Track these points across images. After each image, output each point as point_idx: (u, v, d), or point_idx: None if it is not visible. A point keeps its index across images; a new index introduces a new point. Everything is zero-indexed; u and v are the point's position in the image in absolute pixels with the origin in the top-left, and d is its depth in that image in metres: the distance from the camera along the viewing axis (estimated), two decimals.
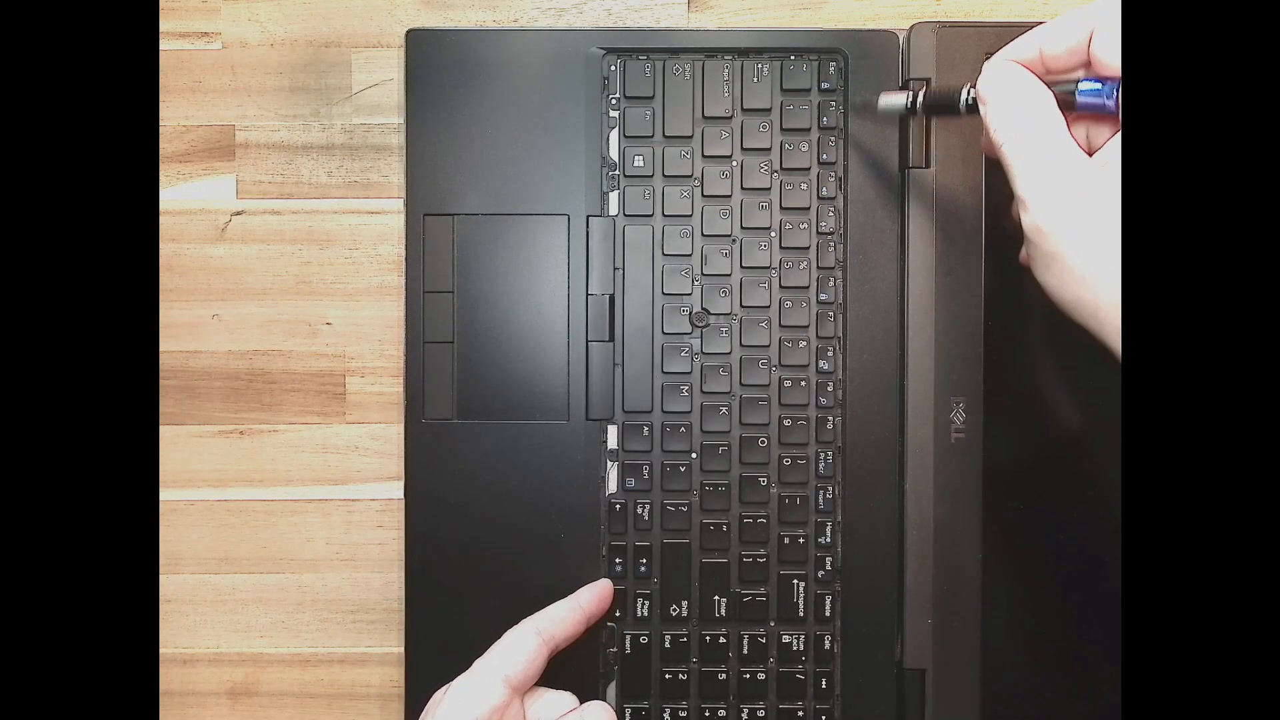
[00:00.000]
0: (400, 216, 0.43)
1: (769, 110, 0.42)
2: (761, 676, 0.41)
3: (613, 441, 0.42)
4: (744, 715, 0.41)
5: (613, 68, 0.42)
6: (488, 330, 0.42)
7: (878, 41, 0.42)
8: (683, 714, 0.41)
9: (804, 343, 0.42)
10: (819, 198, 0.42)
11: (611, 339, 0.42)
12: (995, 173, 0.41)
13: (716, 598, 0.42)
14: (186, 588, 0.44)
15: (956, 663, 0.41)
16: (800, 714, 0.41)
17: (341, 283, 0.44)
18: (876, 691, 0.41)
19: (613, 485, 0.42)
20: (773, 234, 0.42)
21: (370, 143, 0.44)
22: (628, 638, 0.42)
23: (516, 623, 0.38)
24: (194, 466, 0.44)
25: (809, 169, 0.42)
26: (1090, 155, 0.31)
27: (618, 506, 0.42)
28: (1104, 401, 0.41)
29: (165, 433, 0.44)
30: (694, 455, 0.42)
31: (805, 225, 0.42)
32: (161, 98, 0.44)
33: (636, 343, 0.42)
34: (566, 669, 0.39)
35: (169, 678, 0.44)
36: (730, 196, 0.42)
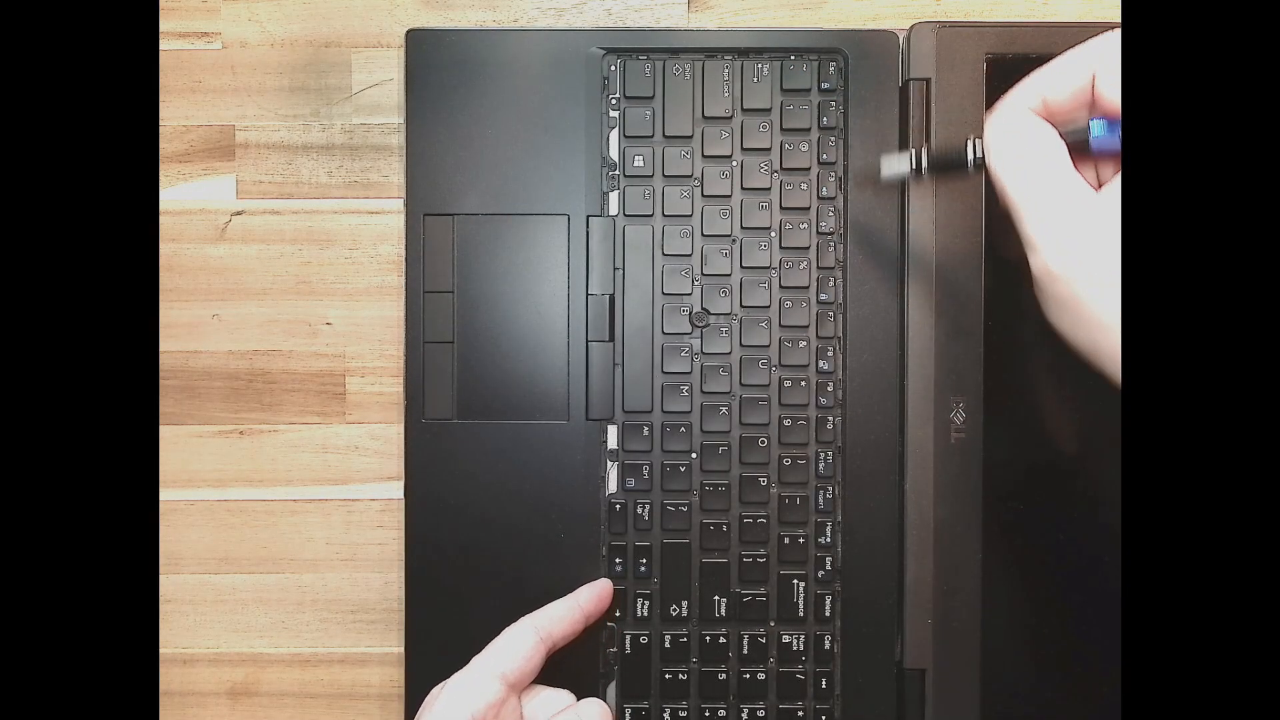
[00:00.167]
0: (400, 216, 0.43)
1: (769, 110, 0.42)
2: (761, 676, 0.41)
3: (613, 441, 0.42)
4: (744, 715, 0.41)
5: (613, 68, 0.42)
6: (488, 330, 0.42)
7: (878, 41, 0.42)
8: (683, 714, 0.41)
9: (804, 343, 0.42)
10: (819, 198, 0.42)
11: (611, 339, 0.42)
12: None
13: (716, 598, 0.42)
14: (186, 588, 0.44)
15: (956, 663, 0.41)
16: (800, 714, 0.41)
17: (341, 283, 0.44)
18: (876, 691, 0.41)
19: (613, 485, 0.42)
20: (773, 234, 0.42)
21: (370, 143, 0.44)
22: (628, 638, 0.42)
23: (515, 620, 0.38)
24: (194, 466, 0.44)
25: (809, 169, 0.42)
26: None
27: (618, 506, 0.42)
28: (1104, 401, 0.41)
29: (165, 433, 0.44)
30: (694, 455, 0.42)
31: (805, 225, 0.42)
32: (161, 98, 0.44)
33: (636, 343, 0.42)
34: (566, 668, 0.39)
35: (169, 678, 0.44)
36: (730, 196, 0.42)
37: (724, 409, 0.42)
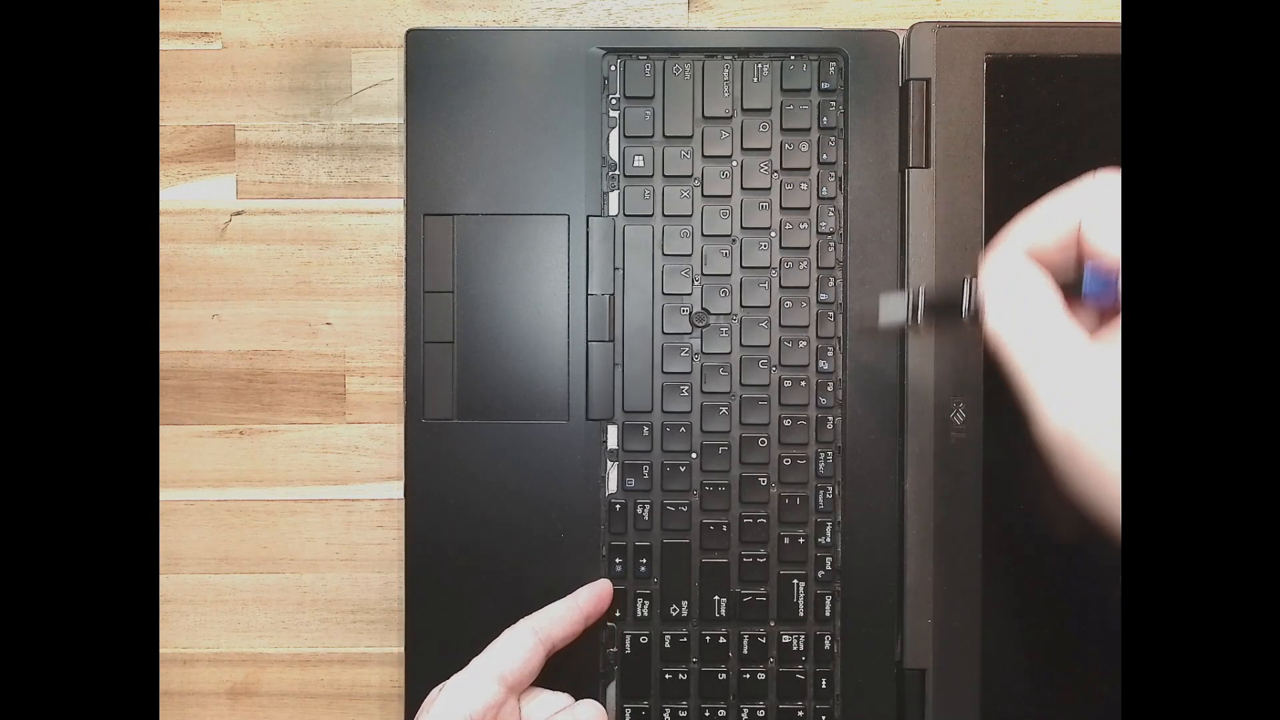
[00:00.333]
0: (400, 216, 0.43)
1: (769, 110, 0.42)
2: (761, 676, 0.41)
3: (613, 441, 0.42)
4: (744, 715, 0.41)
5: (613, 68, 0.42)
6: (488, 330, 0.42)
7: (878, 41, 0.42)
8: (683, 714, 0.41)
9: (804, 343, 0.42)
10: (819, 198, 0.42)
11: (611, 339, 0.42)
12: (995, 173, 0.41)
13: (716, 598, 0.42)
14: (186, 588, 0.44)
15: (956, 663, 0.41)
16: (800, 714, 0.41)
17: (341, 283, 0.44)
18: (876, 691, 0.41)
19: (613, 485, 0.42)
20: (773, 234, 0.42)
21: (370, 143, 0.44)
22: (628, 638, 0.42)
23: (516, 622, 0.38)
24: (194, 466, 0.44)
25: (809, 169, 0.42)
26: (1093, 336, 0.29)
27: (618, 506, 0.42)
28: None
29: (165, 433, 0.44)
30: (694, 455, 0.42)
31: (805, 225, 0.42)
32: (161, 98, 0.44)
33: (636, 343, 0.42)
34: (566, 669, 0.39)
35: (169, 678, 0.44)
36: (730, 196, 0.42)
37: (724, 409, 0.42)
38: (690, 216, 0.42)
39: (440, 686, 0.36)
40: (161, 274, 0.44)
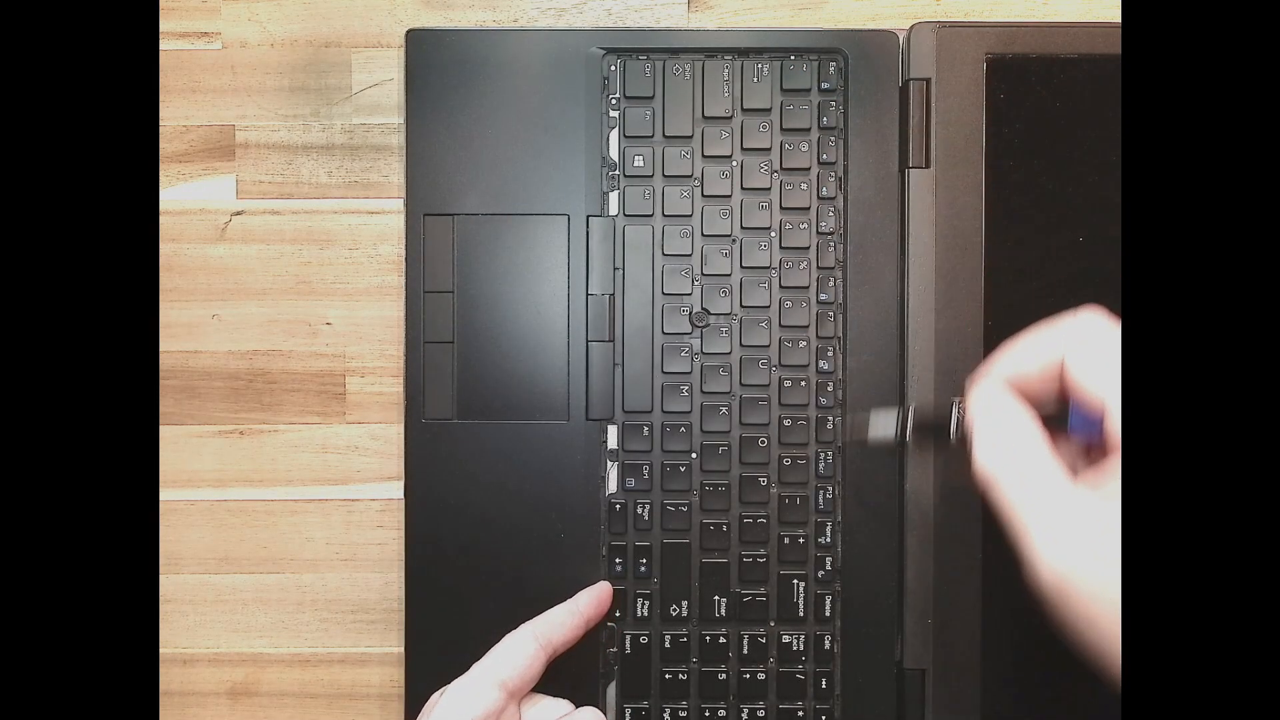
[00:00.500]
0: (400, 216, 0.43)
1: (769, 110, 0.42)
2: (761, 676, 0.41)
3: (613, 441, 0.42)
4: (744, 715, 0.41)
5: (613, 68, 0.42)
6: (488, 330, 0.42)
7: (878, 41, 0.42)
8: (683, 714, 0.41)
9: (804, 343, 0.42)
10: (819, 198, 0.42)
11: (611, 339, 0.42)
12: (995, 173, 0.41)
13: (716, 598, 0.42)
14: (186, 588, 0.44)
15: (956, 663, 0.41)
16: (800, 714, 0.41)
17: (341, 283, 0.44)
18: (876, 691, 0.41)
19: (613, 485, 0.42)
20: (773, 234, 0.42)
21: (370, 143, 0.44)
22: (628, 638, 0.42)
23: (516, 622, 0.38)
24: (194, 466, 0.44)
25: (809, 169, 0.42)
26: (1077, 473, 0.29)
27: (618, 506, 0.42)
28: None
29: (165, 433, 0.44)
30: (694, 455, 0.42)
31: (805, 225, 0.42)
32: (161, 98, 0.44)
33: (636, 343, 0.42)
34: (567, 669, 0.39)
35: (169, 678, 0.44)
36: (730, 196, 0.42)
37: (724, 409, 0.42)
38: (690, 216, 0.42)
39: (441, 691, 0.36)
40: (161, 274, 0.44)
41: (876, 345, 0.42)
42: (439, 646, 0.41)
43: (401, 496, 0.43)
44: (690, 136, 0.42)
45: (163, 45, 0.44)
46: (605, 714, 0.41)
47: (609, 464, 0.42)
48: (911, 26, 0.42)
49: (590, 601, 0.40)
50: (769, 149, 0.42)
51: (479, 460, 0.42)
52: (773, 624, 0.42)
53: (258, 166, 0.44)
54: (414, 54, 0.42)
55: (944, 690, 0.41)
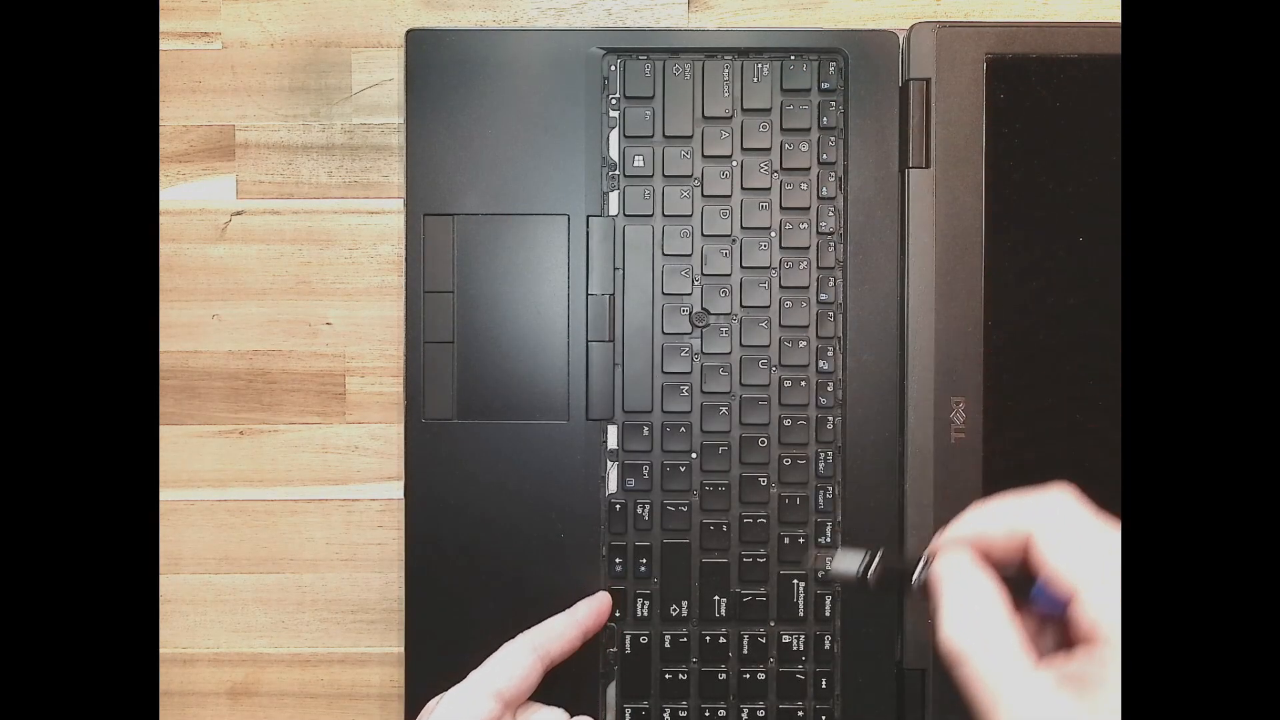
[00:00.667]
0: (400, 216, 0.43)
1: (769, 110, 0.42)
2: (761, 676, 0.41)
3: (613, 441, 0.42)
4: (744, 715, 0.41)
5: (613, 68, 0.42)
6: (488, 330, 0.42)
7: (878, 41, 0.42)
8: (683, 714, 0.41)
9: (804, 343, 0.42)
10: (819, 198, 0.42)
11: (611, 339, 0.42)
12: (995, 173, 0.41)
13: (716, 598, 0.42)
14: (186, 588, 0.44)
15: None
16: (800, 714, 0.41)
17: (341, 283, 0.44)
18: (876, 691, 0.41)
19: (613, 485, 0.42)
20: (773, 234, 0.42)
21: (370, 143, 0.44)
22: (628, 638, 0.42)
23: (516, 622, 0.38)
24: (194, 466, 0.44)
25: (809, 169, 0.42)
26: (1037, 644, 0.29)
27: (618, 506, 0.42)
28: (1104, 400, 0.41)
29: (165, 433, 0.44)
30: (694, 455, 0.42)
31: (805, 225, 0.42)
32: (161, 98, 0.44)
33: (636, 343, 0.42)
34: (567, 670, 0.39)
35: (169, 678, 0.44)
36: (730, 196, 0.42)
37: (724, 409, 0.42)
38: (690, 216, 0.42)
39: (437, 698, 0.36)
40: (161, 274, 0.44)
41: (876, 345, 0.42)
42: (439, 646, 0.41)
43: (401, 496, 0.43)
44: (690, 136, 0.42)
45: (163, 45, 0.44)
46: (605, 714, 0.41)
47: (609, 464, 0.42)
48: (911, 26, 0.42)
49: (589, 612, 0.40)
50: (769, 149, 0.42)
51: (479, 460, 0.42)
52: (773, 624, 0.42)
53: (258, 166, 0.44)
54: (414, 54, 0.42)
55: (944, 690, 0.41)
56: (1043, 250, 0.41)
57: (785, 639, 0.41)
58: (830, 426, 0.42)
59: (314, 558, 0.44)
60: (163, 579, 0.44)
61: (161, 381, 0.44)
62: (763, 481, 0.42)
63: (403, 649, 0.42)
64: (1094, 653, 0.26)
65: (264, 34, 0.44)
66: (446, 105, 0.42)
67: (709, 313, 0.42)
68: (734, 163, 0.42)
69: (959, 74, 0.41)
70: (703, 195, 0.42)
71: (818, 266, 0.42)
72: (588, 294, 0.42)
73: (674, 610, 0.42)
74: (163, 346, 0.44)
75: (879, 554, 0.34)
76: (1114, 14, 0.44)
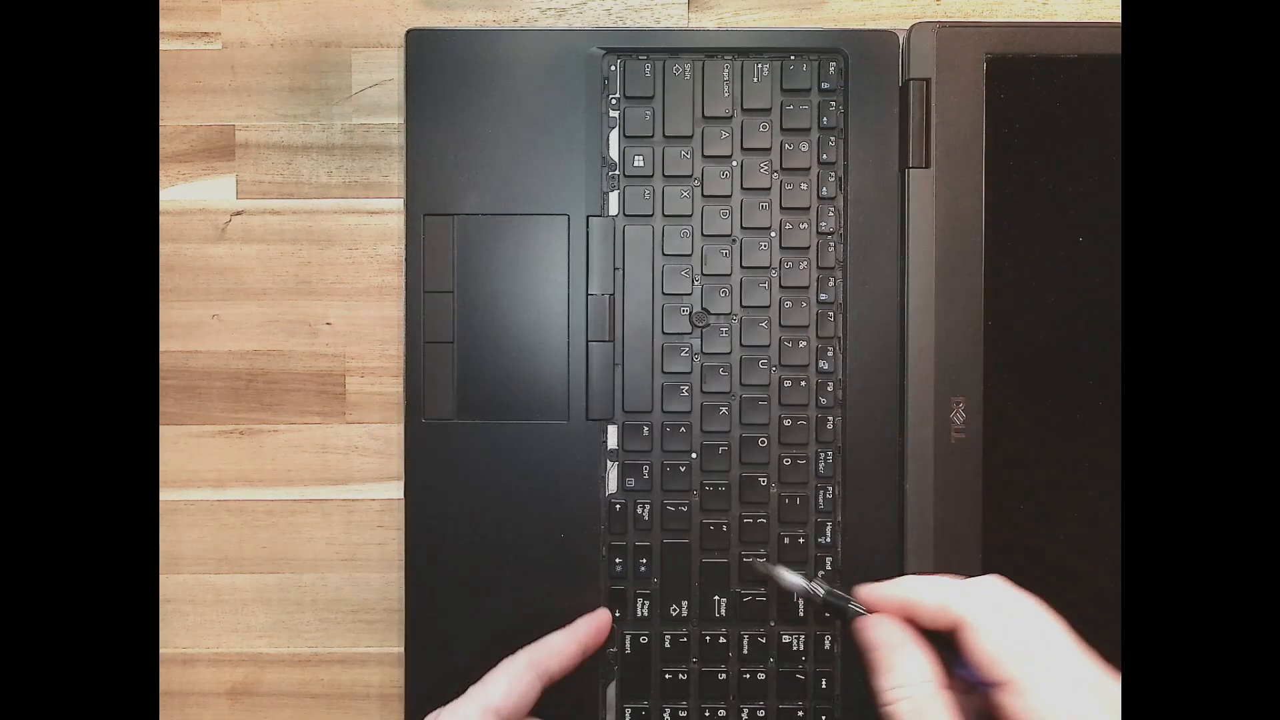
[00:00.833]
0: (400, 216, 0.43)
1: (769, 110, 0.42)
2: (761, 676, 0.41)
3: (613, 441, 0.42)
4: (744, 715, 0.41)
5: (613, 68, 0.42)
6: (488, 330, 0.42)
7: (878, 41, 0.42)
8: (683, 714, 0.41)
9: (804, 343, 0.42)
10: (819, 198, 0.42)
11: (611, 339, 0.42)
12: (995, 173, 0.41)
13: (716, 598, 0.42)
14: (186, 588, 0.44)
15: None
16: (800, 714, 0.41)
17: (341, 283, 0.44)
18: None
19: (613, 485, 0.42)
20: (773, 234, 0.42)
21: (370, 143, 0.44)
22: (628, 638, 0.42)
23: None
24: (194, 466, 0.44)
25: (809, 169, 0.42)
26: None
27: (618, 506, 0.42)
28: (1104, 401, 0.41)
29: (165, 433, 0.44)
30: (694, 455, 0.42)
31: (805, 225, 0.42)
32: (161, 98, 0.44)
33: (636, 343, 0.42)
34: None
35: (169, 678, 0.44)
36: (730, 196, 0.42)
37: (724, 409, 0.42)
38: (690, 216, 0.42)
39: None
40: (161, 274, 0.44)
41: (876, 345, 0.42)
42: (439, 646, 0.41)
43: (401, 496, 0.43)
44: (690, 136, 0.42)
45: (163, 45, 0.44)
46: (605, 714, 0.41)
47: (609, 464, 0.42)
48: (911, 26, 0.42)
49: (589, 630, 0.40)
50: (769, 149, 0.42)
51: (479, 460, 0.42)
52: (773, 624, 0.42)
53: (258, 166, 0.44)
54: (414, 54, 0.42)
55: None
56: (1043, 250, 0.41)
57: (785, 639, 0.41)
58: (830, 426, 0.42)
59: (314, 558, 0.44)
60: (163, 579, 0.44)
61: (161, 381, 0.44)
62: (763, 481, 0.42)
63: (403, 649, 0.42)
64: None
65: (264, 34, 0.44)
66: (446, 105, 0.42)
67: (709, 313, 0.42)
68: (734, 163, 0.42)
69: (959, 74, 0.41)
70: (703, 195, 0.42)
71: (818, 266, 0.42)
72: (588, 294, 0.42)
73: (674, 610, 0.42)
74: (163, 346, 0.44)
75: (821, 587, 0.38)
76: (1114, 14, 0.44)
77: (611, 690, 0.42)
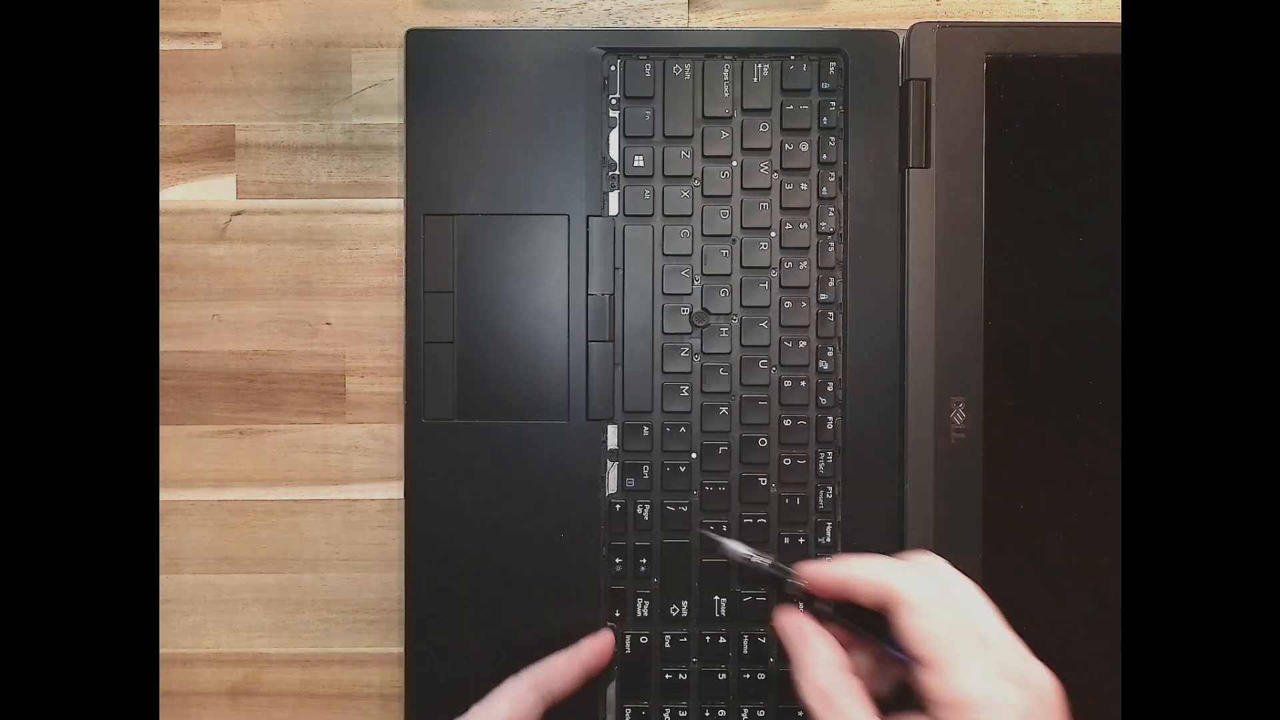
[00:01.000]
0: (400, 216, 0.43)
1: (769, 110, 0.42)
2: (761, 677, 0.41)
3: (613, 441, 0.42)
4: (744, 715, 0.41)
5: (613, 68, 0.42)
6: (488, 330, 0.42)
7: (878, 41, 0.42)
8: (683, 714, 0.41)
9: (804, 343, 0.42)
10: (819, 198, 0.42)
11: (611, 339, 0.42)
12: (995, 173, 0.41)
13: (716, 598, 0.42)
14: (186, 588, 0.44)
15: None
16: (800, 714, 0.41)
17: (341, 283, 0.44)
18: None
19: (613, 485, 0.42)
20: (773, 234, 0.42)
21: (370, 143, 0.44)
22: (628, 638, 0.42)
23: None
24: (194, 466, 0.44)
25: (809, 169, 0.42)
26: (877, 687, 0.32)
27: (618, 506, 0.42)
28: (1104, 401, 0.41)
29: (165, 433, 0.44)
30: (694, 455, 0.42)
31: (805, 225, 0.42)
32: (161, 98, 0.44)
33: (636, 343, 0.42)
34: None
35: (169, 678, 0.44)
36: (730, 196, 0.42)
37: (724, 409, 0.42)
38: (690, 216, 0.42)
39: None
40: (161, 274, 0.44)
41: (876, 345, 0.42)
42: (439, 646, 0.41)
43: (401, 496, 0.43)
44: (690, 136, 0.42)
45: (163, 45, 0.44)
46: (605, 714, 0.41)
47: (609, 464, 0.42)
48: (911, 26, 0.42)
49: (592, 651, 0.40)
50: (769, 149, 0.42)
51: (479, 460, 0.42)
52: (773, 624, 0.42)
53: (258, 166, 0.44)
54: (414, 54, 0.42)
55: None
56: (1043, 250, 0.41)
57: None
58: (830, 426, 0.42)
59: (314, 558, 0.44)
60: (163, 579, 0.44)
61: (161, 381, 0.44)
62: (763, 482, 0.42)
63: (403, 649, 0.42)
64: None
65: (264, 34, 0.44)
66: (446, 105, 0.42)
67: (709, 313, 0.42)
68: (734, 163, 0.42)
69: (959, 74, 0.41)
70: (703, 195, 0.42)
71: (818, 266, 0.42)
72: (588, 294, 0.42)
73: (674, 610, 0.42)
74: (163, 346, 0.44)
75: (762, 559, 0.38)
76: (1114, 14, 0.44)
77: (611, 690, 0.42)
